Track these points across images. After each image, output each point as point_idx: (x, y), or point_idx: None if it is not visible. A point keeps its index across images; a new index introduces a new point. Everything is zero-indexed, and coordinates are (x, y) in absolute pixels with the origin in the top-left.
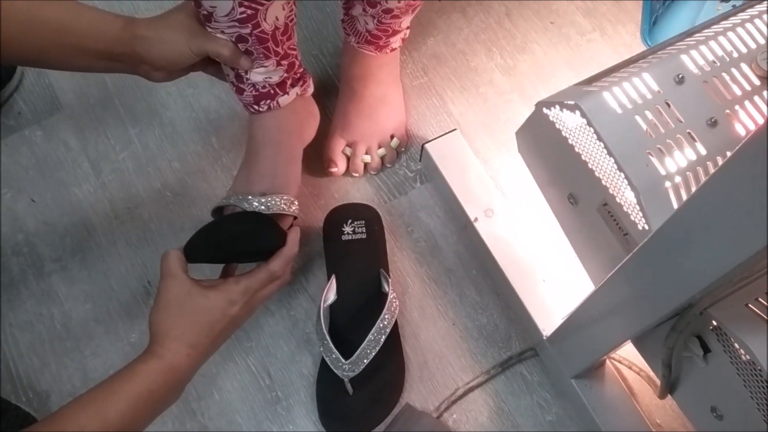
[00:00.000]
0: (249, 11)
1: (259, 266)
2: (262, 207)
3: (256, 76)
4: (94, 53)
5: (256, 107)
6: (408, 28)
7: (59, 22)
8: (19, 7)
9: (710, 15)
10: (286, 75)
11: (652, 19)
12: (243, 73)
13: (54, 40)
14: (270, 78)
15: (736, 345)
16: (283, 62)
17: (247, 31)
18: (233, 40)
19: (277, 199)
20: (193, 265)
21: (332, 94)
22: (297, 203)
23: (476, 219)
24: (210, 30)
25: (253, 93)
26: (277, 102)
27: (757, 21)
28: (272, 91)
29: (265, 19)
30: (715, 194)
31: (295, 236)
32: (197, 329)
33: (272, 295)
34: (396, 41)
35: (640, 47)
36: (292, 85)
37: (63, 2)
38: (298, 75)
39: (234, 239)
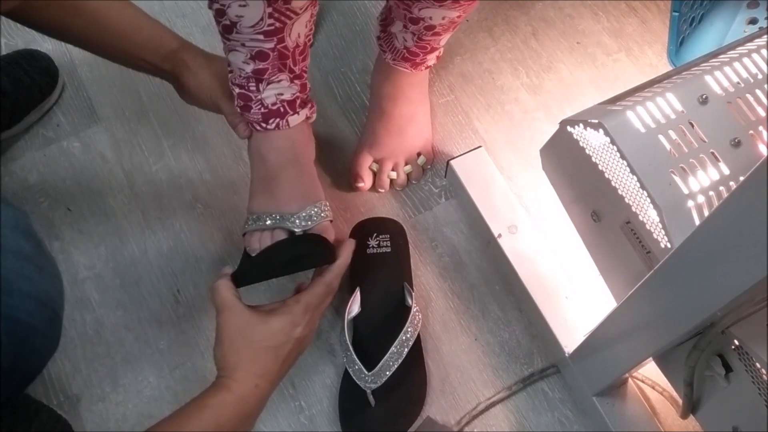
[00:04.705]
0: (278, 24)
1: (315, 281)
2: (309, 223)
3: (269, 93)
4: (142, 60)
5: (264, 125)
6: (443, 45)
7: (121, 31)
8: (86, 7)
9: (737, 36)
10: (298, 94)
11: (678, 40)
12: (253, 92)
13: (111, 43)
14: (282, 94)
15: (758, 365)
16: (296, 81)
17: (271, 45)
18: (252, 54)
19: (317, 209)
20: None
21: (360, 110)
22: (328, 205)
23: (500, 235)
24: (227, 43)
25: (262, 111)
26: (287, 121)
27: None
28: (282, 109)
29: (289, 35)
30: (735, 212)
31: (350, 248)
32: (263, 357)
33: (327, 307)
34: (432, 59)
35: (666, 68)
36: (301, 106)
37: (130, 12)
38: (306, 97)
39: (287, 264)
